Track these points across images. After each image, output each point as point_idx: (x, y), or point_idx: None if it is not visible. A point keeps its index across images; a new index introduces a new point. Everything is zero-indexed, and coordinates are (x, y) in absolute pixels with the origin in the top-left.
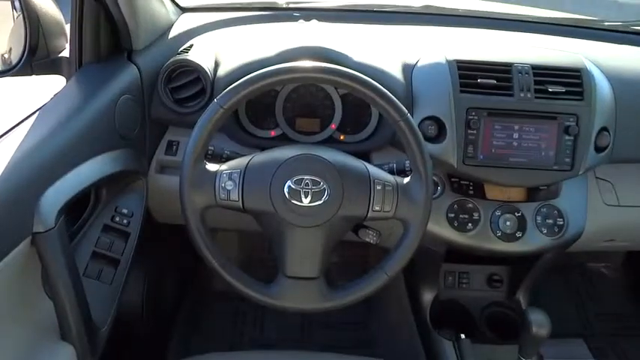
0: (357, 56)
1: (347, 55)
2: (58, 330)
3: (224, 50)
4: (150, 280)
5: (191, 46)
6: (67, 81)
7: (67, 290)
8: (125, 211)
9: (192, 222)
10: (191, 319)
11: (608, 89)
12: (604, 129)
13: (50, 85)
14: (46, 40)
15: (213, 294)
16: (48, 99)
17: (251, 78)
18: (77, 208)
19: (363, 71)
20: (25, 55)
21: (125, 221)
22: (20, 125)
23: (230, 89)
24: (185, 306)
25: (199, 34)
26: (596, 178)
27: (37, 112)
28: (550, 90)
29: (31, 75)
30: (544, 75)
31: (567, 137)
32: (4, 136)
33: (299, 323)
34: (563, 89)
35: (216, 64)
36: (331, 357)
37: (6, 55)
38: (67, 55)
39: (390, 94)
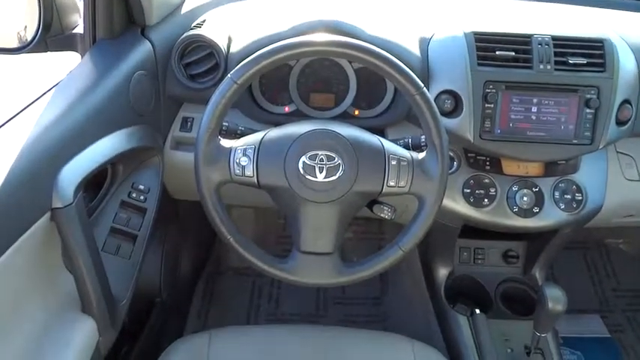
0: (372, 29)
1: (361, 29)
2: (79, 303)
3: (237, 24)
4: (167, 255)
5: (204, 20)
6: (81, 57)
7: (87, 265)
8: (142, 187)
9: (207, 198)
10: (208, 293)
11: (631, 60)
12: (626, 102)
13: (65, 62)
14: (59, 17)
15: (229, 269)
16: (63, 76)
17: (264, 52)
18: (95, 185)
19: (378, 44)
20: (40, 31)
21: (142, 197)
22: (37, 102)
23: (243, 64)
24: (202, 281)
25: (212, 9)
26: (617, 152)
27: (53, 89)
28: (571, 62)
29: (46, 51)
30: (565, 46)
31: (588, 110)
32: (21, 113)
33: (314, 298)
34: (584, 61)
35: (230, 39)
36: (346, 332)
37: (21, 33)
38: (81, 32)
39: (406, 68)
